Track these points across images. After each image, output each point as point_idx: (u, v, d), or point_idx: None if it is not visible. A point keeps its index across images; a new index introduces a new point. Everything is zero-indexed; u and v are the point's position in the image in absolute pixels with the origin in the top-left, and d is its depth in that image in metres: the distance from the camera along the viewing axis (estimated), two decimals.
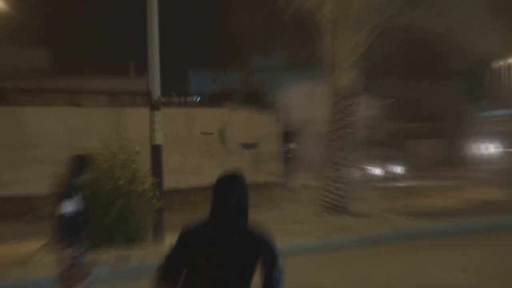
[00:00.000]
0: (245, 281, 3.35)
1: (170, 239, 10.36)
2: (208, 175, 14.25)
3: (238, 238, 3.36)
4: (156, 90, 11.50)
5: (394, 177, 24.96)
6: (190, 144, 19.20)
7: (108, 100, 20.73)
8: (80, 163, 6.63)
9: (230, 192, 3.44)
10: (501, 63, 32.73)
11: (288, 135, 22.99)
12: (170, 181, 13.68)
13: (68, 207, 6.26)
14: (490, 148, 33.52)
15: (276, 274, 3.38)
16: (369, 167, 24.15)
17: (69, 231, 6.27)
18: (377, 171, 24.87)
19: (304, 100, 20.30)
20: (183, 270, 3.38)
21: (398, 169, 25.90)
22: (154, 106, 11.45)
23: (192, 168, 18.94)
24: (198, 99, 30.19)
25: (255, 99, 26.91)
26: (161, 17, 11.64)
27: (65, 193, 6.37)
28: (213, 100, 28.26)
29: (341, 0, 14.04)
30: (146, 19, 11.55)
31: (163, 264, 3.44)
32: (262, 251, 3.37)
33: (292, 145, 23.61)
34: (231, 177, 3.52)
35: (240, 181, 3.50)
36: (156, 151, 11.48)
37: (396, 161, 26.07)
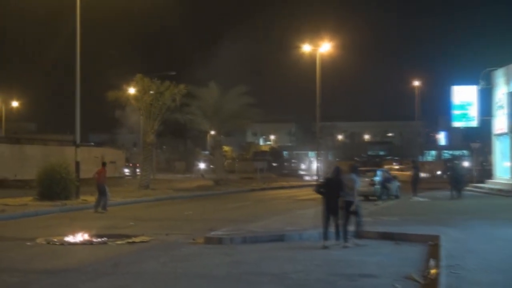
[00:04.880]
0: None
1: (82, 198, 32.80)
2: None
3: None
4: (78, 140, 35.30)
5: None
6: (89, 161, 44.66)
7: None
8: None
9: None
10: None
11: None
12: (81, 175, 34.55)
13: None
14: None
15: None
16: None
17: None
18: None
19: None
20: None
21: None
22: (77, 146, 35.05)
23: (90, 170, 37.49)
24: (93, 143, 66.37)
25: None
26: None
27: None
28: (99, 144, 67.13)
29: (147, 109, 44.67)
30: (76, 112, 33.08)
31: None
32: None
33: None
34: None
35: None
36: (77, 164, 34.27)
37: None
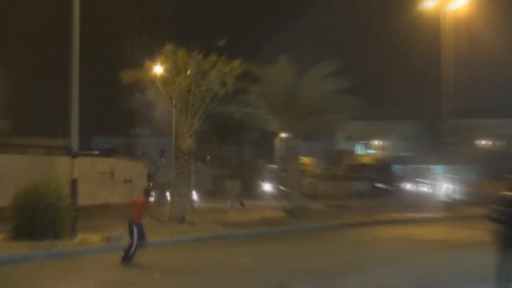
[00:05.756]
0: None
1: (81, 236, 32.22)
2: (103, 198, 48.19)
3: None
4: (75, 146, 34.27)
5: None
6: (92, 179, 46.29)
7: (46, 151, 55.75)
8: None
9: None
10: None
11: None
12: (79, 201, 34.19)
13: None
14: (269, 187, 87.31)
15: None
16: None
17: None
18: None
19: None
20: None
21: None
22: (73, 156, 34.05)
23: (93, 194, 45.60)
24: (97, 152, 75.83)
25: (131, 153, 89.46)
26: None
27: None
28: (107, 153, 73.98)
29: (182, 98, 43.82)
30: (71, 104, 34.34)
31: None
32: None
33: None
34: None
35: None
36: (73, 183, 33.59)
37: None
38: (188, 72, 43.32)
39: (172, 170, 49.19)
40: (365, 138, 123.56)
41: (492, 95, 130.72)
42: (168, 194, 53.54)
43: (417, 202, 72.63)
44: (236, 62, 43.27)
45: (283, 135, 61.33)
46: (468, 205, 61.57)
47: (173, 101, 44.86)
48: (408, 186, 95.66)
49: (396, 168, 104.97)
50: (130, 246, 26.06)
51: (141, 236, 26.15)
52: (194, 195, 60.94)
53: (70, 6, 34.56)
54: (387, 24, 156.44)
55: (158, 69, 46.34)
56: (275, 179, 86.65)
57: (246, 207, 61.42)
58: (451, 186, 66.34)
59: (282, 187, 64.25)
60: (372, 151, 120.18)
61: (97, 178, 46.57)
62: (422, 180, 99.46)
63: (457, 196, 64.87)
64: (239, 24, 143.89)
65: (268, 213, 53.66)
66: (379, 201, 69.15)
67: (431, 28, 63.45)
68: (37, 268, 25.52)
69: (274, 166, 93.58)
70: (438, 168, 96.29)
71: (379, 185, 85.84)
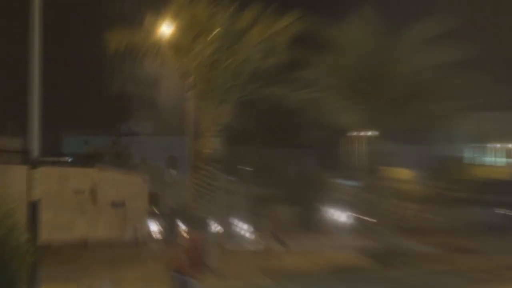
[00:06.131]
0: None
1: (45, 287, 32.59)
2: (80, 231, 53.19)
3: None
4: (35, 150, 33.46)
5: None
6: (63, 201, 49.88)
7: None
8: None
9: None
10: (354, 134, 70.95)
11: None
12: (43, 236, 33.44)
13: None
14: (342, 215, 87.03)
15: None
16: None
17: None
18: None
19: None
20: None
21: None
22: (33, 165, 33.32)
23: (64, 224, 48.91)
24: (70, 159, 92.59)
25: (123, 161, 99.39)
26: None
27: None
28: (85, 160, 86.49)
29: (204, 74, 42.80)
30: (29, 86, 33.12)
31: None
32: None
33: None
34: None
35: None
36: (33, 207, 32.71)
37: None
38: (214, 33, 42.02)
39: (188, 187, 48.19)
40: (491, 139, 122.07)
41: None
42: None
43: None
44: (290, 18, 41.98)
45: (364, 133, 60.19)
46: None
47: (190, 79, 43.58)
48: None
49: None
50: None
51: None
52: (229, 226, 60.87)
53: None
54: None
55: (166, 29, 44.79)
56: (351, 203, 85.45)
57: (290, 246, 60.87)
58: None
59: (362, 216, 63.33)
60: (503, 160, 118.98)
61: (71, 199, 46.48)
62: None
63: None
64: None
65: (340, 256, 52.97)
66: None
67: None
68: None
69: (348, 182, 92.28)
70: None
71: None
